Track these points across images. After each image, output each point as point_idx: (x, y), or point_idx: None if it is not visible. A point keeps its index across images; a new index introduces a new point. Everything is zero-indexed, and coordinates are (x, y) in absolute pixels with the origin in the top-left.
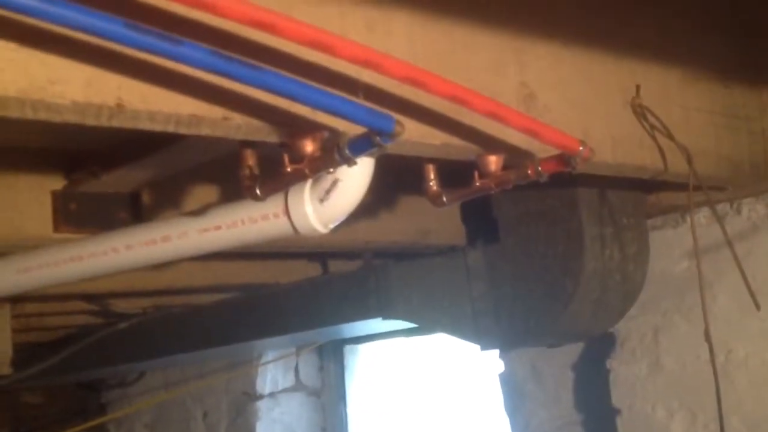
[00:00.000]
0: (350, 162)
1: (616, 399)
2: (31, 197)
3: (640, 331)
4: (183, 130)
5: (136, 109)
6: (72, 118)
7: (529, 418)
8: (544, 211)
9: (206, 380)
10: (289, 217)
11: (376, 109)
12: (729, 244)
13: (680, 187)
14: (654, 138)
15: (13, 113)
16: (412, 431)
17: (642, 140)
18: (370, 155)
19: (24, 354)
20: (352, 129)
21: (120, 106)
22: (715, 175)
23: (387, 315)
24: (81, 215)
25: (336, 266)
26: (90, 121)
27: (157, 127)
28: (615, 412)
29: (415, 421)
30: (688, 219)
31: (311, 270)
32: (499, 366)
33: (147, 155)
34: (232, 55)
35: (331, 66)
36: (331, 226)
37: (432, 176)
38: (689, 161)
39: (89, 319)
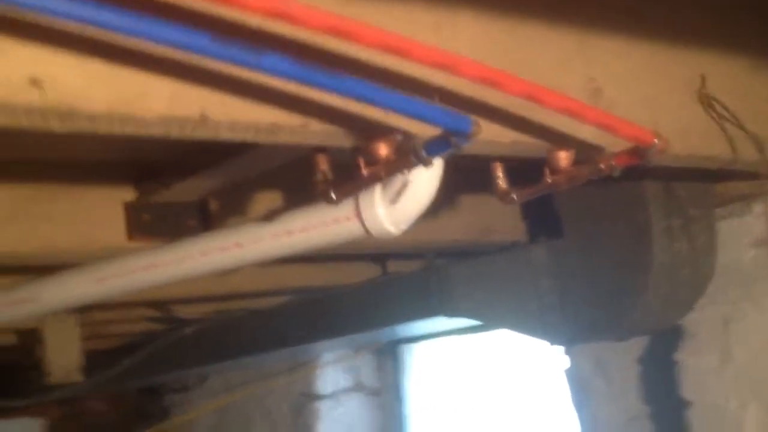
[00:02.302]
0: (427, 163)
1: (687, 391)
2: (103, 209)
3: (708, 322)
4: (262, 139)
5: (218, 120)
6: (157, 132)
7: (596, 413)
8: (609, 206)
9: (267, 382)
10: (361, 220)
11: (453, 111)
12: None
13: (748, 176)
14: (722, 127)
15: (102, 129)
16: (472, 430)
17: (710, 130)
18: (445, 156)
19: (92, 361)
20: (423, 131)
21: (203, 118)
22: None
23: (450, 313)
24: (153, 224)
25: (395, 266)
26: (174, 133)
27: (238, 137)
28: (685, 404)
29: (474, 419)
30: (755, 207)
31: (371, 271)
32: (565, 362)
33: (216, 164)
34: (312, 63)
35: (404, 70)
36: (403, 227)
37: (500, 174)
38: (760, 149)
39: (152, 326)
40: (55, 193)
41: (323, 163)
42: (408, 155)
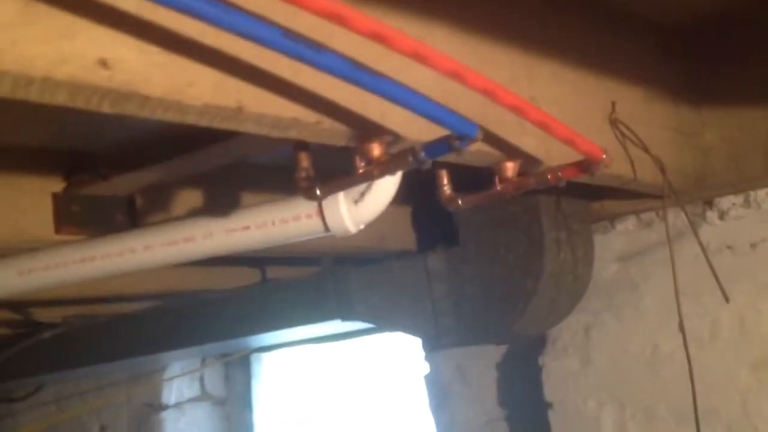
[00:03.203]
0: (424, 164)
1: (549, 393)
2: (32, 198)
3: (571, 330)
4: (275, 133)
5: (250, 112)
6: (193, 120)
7: (453, 416)
8: (506, 217)
9: (106, 393)
10: (322, 218)
11: (463, 116)
12: (701, 247)
13: (620, 195)
14: (626, 150)
15: (157, 114)
16: None
17: (618, 152)
18: (444, 158)
19: None
20: (413, 134)
21: (239, 109)
22: (671, 184)
23: (346, 317)
24: (81, 217)
25: (274, 273)
26: (208, 122)
27: (261, 131)
28: (546, 406)
29: (325, 427)
30: (618, 226)
31: (249, 277)
32: (425, 368)
33: (155, 160)
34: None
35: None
36: (361, 226)
37: (445, 181)
38: (663, 171)
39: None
40: None
41: (305, 161)
42: (405, 156)
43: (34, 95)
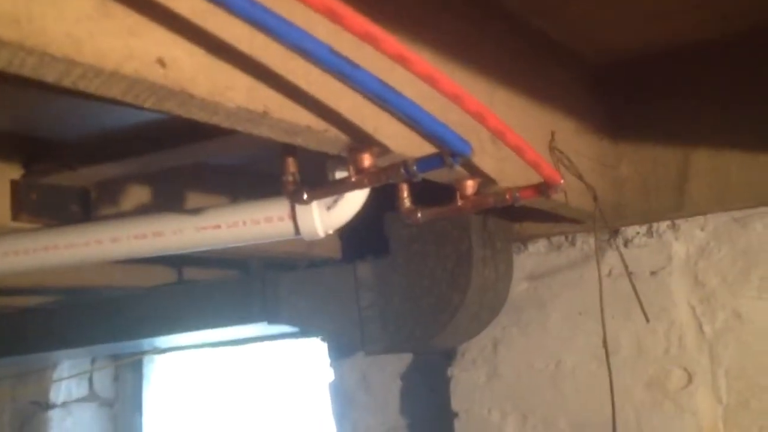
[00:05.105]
0: (415, 177)
1: (456, 403)
2: None
3: (480, 343)
4: (284, 138)
5: (274, 118)
6: (219, 120)
7: (356, 424)
8: (436, 232)
9: None
10: (294, 221)
11: (460, 135)
12: (626, 270)
13: (537, 218)
14: (562, 176)
15: (200, 114)
16: None
17: None
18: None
19: None
20: (399, 148)
21: (265, 114)
22: (593, 211)
23: (272, 320)
24: (38, 206)
25: (190, 273)
26: (232, 123)
27: (268, 133)
28: (453, 415)
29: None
30: (530, 247)
31: (162, 276)
32: (329, 375)
33: (127, 155)
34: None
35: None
36: (330, 231)
37: (405, 194)
38: (594, 198)
39: None
40: None
41: (292, 165)
42: (397, 169)
43: (93, 86)
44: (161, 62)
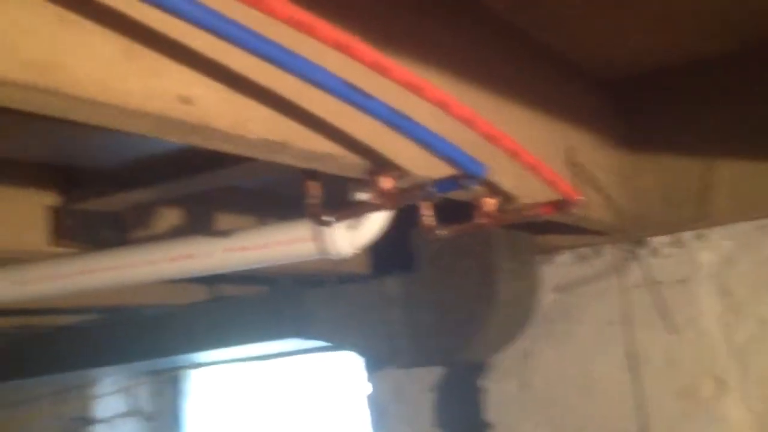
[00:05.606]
0: (433, 198)
1: (489, 414)
2: (28, 210)
3: (510, 355)
4: (303, 164)
5: (293, 147)
6: (242, 150)
7: None
8: (461, 247)
9: (33, 406)
10: (319, 242)
11: (474, 158)
12: (649, 280)
13: (561, 231)
14: (582, 190)
15: (222, 146)
16: None
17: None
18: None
19: None
20: (418, 170)
21: (284, 144)
22: (615, 223)
23: (303, 335)
24: (76, 231)
25: (224, 290)
26: (254, 153)
27: (288, 161)
28: (487, 427)
29: None
30: (557, 258)
31: (194, 293)
32: (366, 388)
33: (157, 181)
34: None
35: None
36: (356, 251)
37: (428, 212)
38: (618, 211)
39: None
40: None
41: (315, 189)
42: (416, 190)
43: (119, 124)
44: (183, 99)
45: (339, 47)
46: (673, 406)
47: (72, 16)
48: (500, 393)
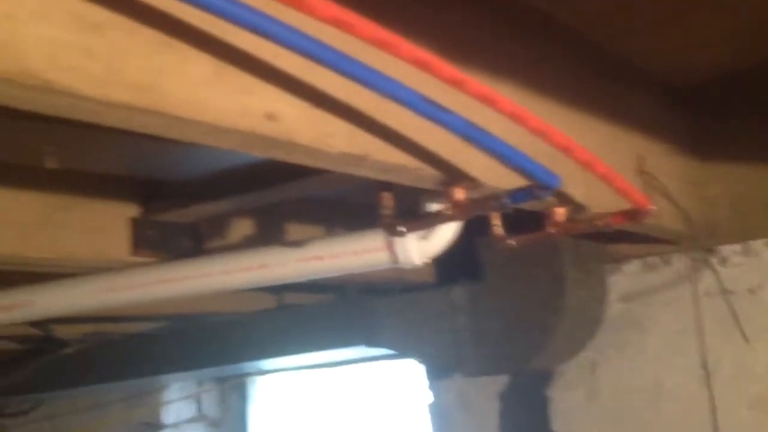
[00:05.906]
0: (506, 209)
1: (556, 424)
2: (110, 221)
3: (578, 364)
4: (379, 176)
5: (373, 160)
6: (323, 164)
7: None
8: (529, 256)
9: (102, 411)
10: (392, 251)
11: (548, 168)
12: (722, 288)
13: (630, 240)
14: (652, 199)
15: (304, 160)
16: None
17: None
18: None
19: None
20: (490, 181)
21: (364, 157)
22: (685, 231)
23: (371, 343)
24: (155, 241)
25: (290, 298)
26: (334, 166)
27: (365, 173)
28: None
29: None
30: (625, 268)
31: (264, 301)
32: (429, 397)
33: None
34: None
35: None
36: (427, 260)
37: (497, 222)
38: (689, 220)
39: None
40: (72, 204)
41: (388, 200)
42: (489, 201)
43: (211, 141)
44: (269, 116)
45: (419, 65)
46: (745, 416)
47: (169, 40)
48: (567, 403)
